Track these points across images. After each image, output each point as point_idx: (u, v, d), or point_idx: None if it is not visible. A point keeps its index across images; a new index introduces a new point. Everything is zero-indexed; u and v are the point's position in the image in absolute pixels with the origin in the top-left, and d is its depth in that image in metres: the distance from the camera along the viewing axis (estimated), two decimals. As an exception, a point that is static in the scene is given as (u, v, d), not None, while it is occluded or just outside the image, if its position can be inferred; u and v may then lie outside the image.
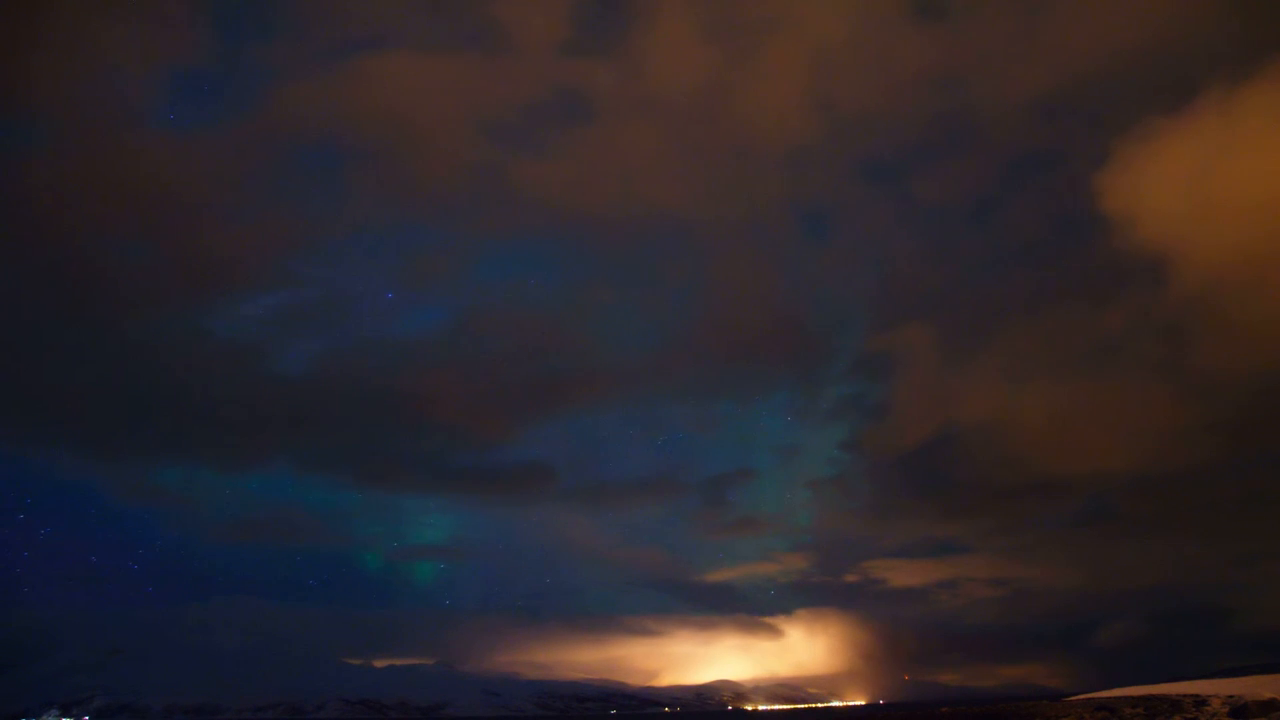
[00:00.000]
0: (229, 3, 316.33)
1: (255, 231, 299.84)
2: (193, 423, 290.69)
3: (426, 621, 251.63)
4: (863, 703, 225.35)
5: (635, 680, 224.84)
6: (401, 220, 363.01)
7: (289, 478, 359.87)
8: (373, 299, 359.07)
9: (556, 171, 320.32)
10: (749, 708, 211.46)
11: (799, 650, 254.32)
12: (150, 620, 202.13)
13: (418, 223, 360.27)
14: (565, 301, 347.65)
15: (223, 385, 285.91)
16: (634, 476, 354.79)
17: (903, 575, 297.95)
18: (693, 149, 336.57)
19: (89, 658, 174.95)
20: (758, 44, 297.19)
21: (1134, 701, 40.48)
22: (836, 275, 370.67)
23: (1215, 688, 42.28)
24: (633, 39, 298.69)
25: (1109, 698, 45.84)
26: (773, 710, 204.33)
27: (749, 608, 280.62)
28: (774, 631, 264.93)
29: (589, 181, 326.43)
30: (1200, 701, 36.98)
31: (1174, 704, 37.67)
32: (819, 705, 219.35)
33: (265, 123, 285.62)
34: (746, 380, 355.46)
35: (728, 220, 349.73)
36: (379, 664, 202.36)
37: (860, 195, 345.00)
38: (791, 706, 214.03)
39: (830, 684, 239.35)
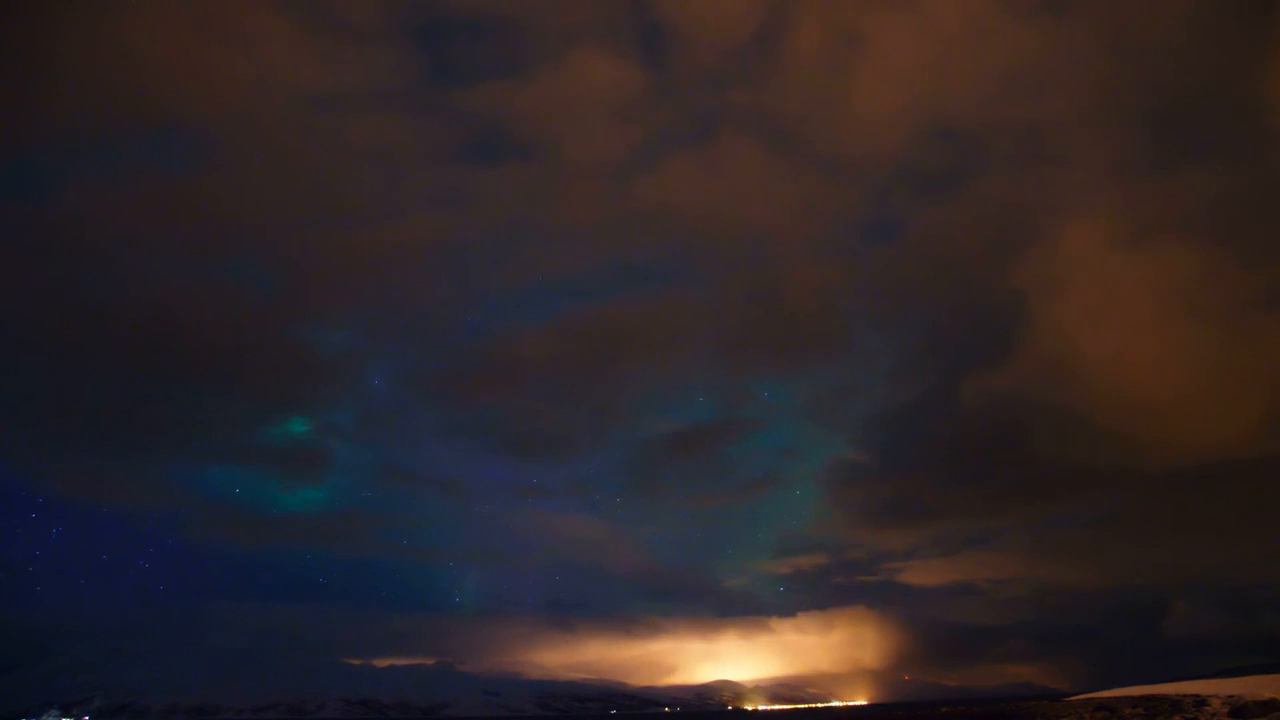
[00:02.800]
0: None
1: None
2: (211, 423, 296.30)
3: (427, 621, 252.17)
4: (863, 703, 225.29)
5: (635, 680, 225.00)
6: (550, 225, 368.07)
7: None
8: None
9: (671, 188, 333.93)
10: (749, 708, 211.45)
11: (799, 650, 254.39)
12: (159, 619, 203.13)
13: (563, 224, 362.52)
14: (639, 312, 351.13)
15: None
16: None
17: (908, 575, 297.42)
18: (787, 164, 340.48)
19: (89, 658, 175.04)
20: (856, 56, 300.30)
21: (1134, 701, 40.48)
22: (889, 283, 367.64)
23: (1215, 688, 42.28)
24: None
25: (1109, 698, 45.84)
26: (773, 710, 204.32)
27: (749, 608, 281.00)
28: (774, 631, 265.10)
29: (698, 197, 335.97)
30: (1200, 701, 36.97)
31: (1174, 704, 37.65)
32: (819, 705, 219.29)
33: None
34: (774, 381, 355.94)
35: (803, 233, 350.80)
36: (379, 664, 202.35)
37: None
38: (791, 706, 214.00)
39: (830, 684, 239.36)
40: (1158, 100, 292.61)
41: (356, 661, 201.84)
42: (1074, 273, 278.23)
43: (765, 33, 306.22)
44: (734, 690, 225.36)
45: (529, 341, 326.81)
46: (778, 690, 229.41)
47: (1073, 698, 53.14)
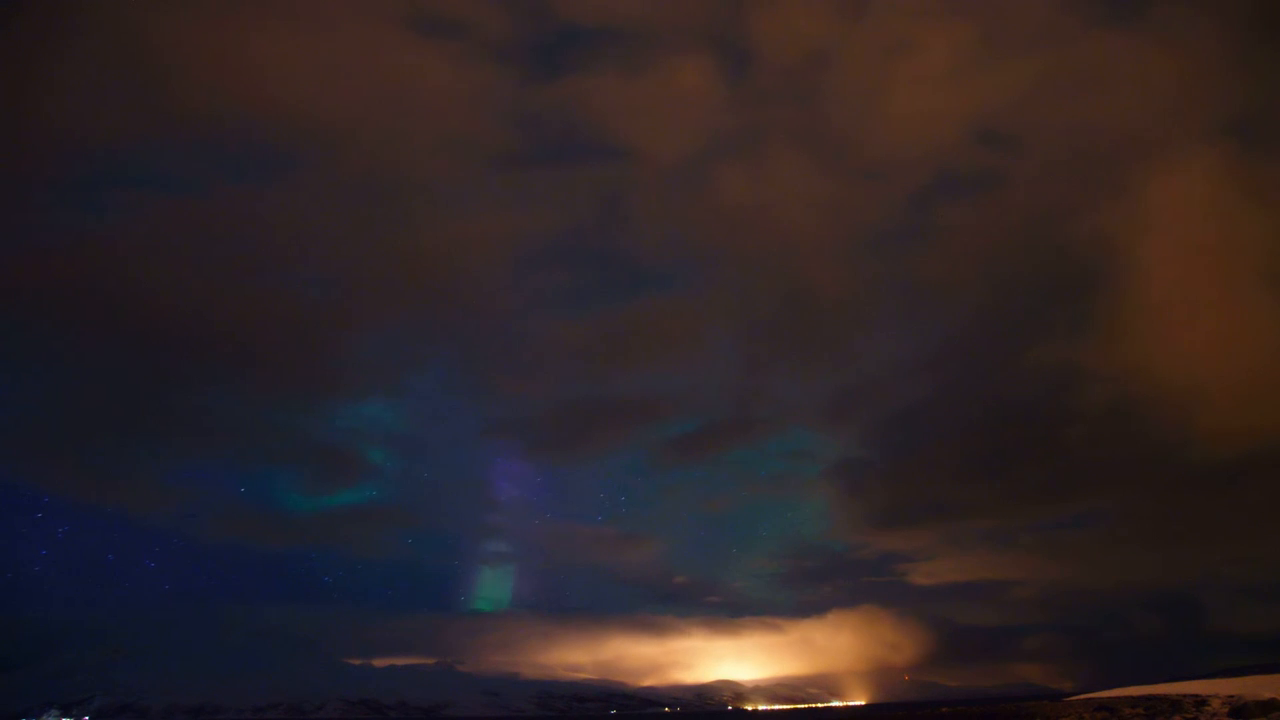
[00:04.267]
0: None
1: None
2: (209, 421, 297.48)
3: (427, 621, 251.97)
4: (863, 703, 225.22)
5: (635, 680, 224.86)
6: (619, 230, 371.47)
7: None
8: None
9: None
10: (749, 708, 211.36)
11: (799, 650, 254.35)
12: (162, 619, 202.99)
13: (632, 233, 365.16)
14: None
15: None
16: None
17: (912, 576, 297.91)
18: (826, 170, 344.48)
19: (89, 658, 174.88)
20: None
21: (1134, 701, 40.48)
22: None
23: (1215, 688, 42.27)
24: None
25: (1109, 698, 45.84)
26: (773, 710, 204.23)
27: (751, 608, 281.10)
28: (775, 631, 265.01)
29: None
30: (1200, 701, 36.95)
31: (1174, 704, 37.64)
32: (819, 705, 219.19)
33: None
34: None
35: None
36: (379, 664, 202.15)
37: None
38: (792, 706, 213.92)
39: (830, 684, 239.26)
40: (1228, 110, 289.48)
41: (356, 661, 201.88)
42: (1106, 274, 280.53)
43: (823, 48, 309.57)
44: (734, 690, 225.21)
45: (561, 338, 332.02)
46: (778, 690, 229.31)
47: (1073, 698, 53.14)
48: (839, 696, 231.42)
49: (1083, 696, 52.62)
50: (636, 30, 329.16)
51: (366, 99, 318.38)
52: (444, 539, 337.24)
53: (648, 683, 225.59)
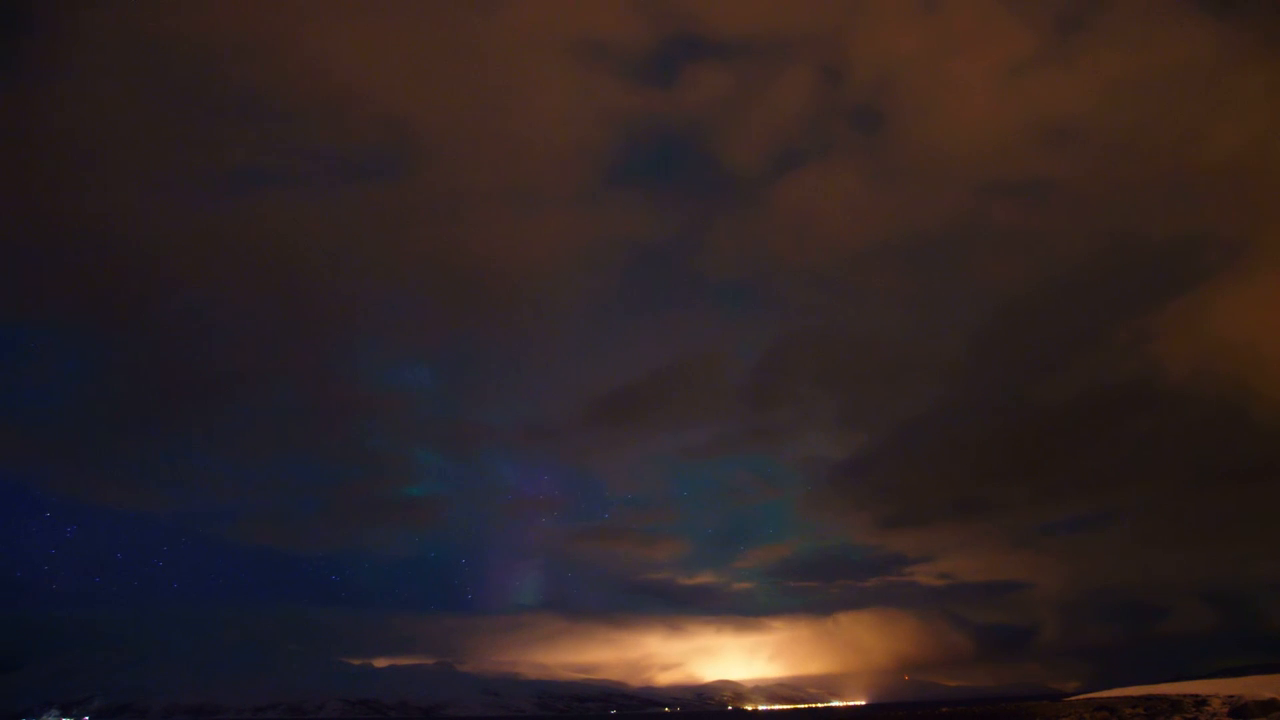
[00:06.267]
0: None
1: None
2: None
3: (426, 621, 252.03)
4: (863, 703, 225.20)
5: (635, 680, 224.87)
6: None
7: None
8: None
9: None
10: (749, 708, 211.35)
11: (800, 650, 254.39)
12: (164, 618, 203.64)
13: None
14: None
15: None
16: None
17: (915, 576, 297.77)
18: (882, 180, 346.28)
19: (89, 658, 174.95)
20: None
21: (1134, 701, 40.48)
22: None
23: (1215, 688, 42.27)
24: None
25: (1109, 698, 45.85)
26: (773, 710, 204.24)
27: (752, 608, 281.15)
28: (775, 631, 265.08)
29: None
30: (1200, 701, 36.94)
31: (1174, 704, 37.64)
32: (819, 705, 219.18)
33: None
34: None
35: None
36: (379, 664, 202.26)
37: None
38: (792, 706, 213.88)
39: (830, 684, 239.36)
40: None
41: (356, 661, 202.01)
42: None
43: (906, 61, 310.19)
44: (734, 690, 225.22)
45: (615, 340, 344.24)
46: (778, 690, 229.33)
47: (1073, 698, 53.13)
48: (839, 696, 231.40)
49: (1083, 696, 52.63)
50: (747, 44, 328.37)
51: (487, 104, 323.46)
52: (452, 537, 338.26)
53: (648, 683, 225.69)
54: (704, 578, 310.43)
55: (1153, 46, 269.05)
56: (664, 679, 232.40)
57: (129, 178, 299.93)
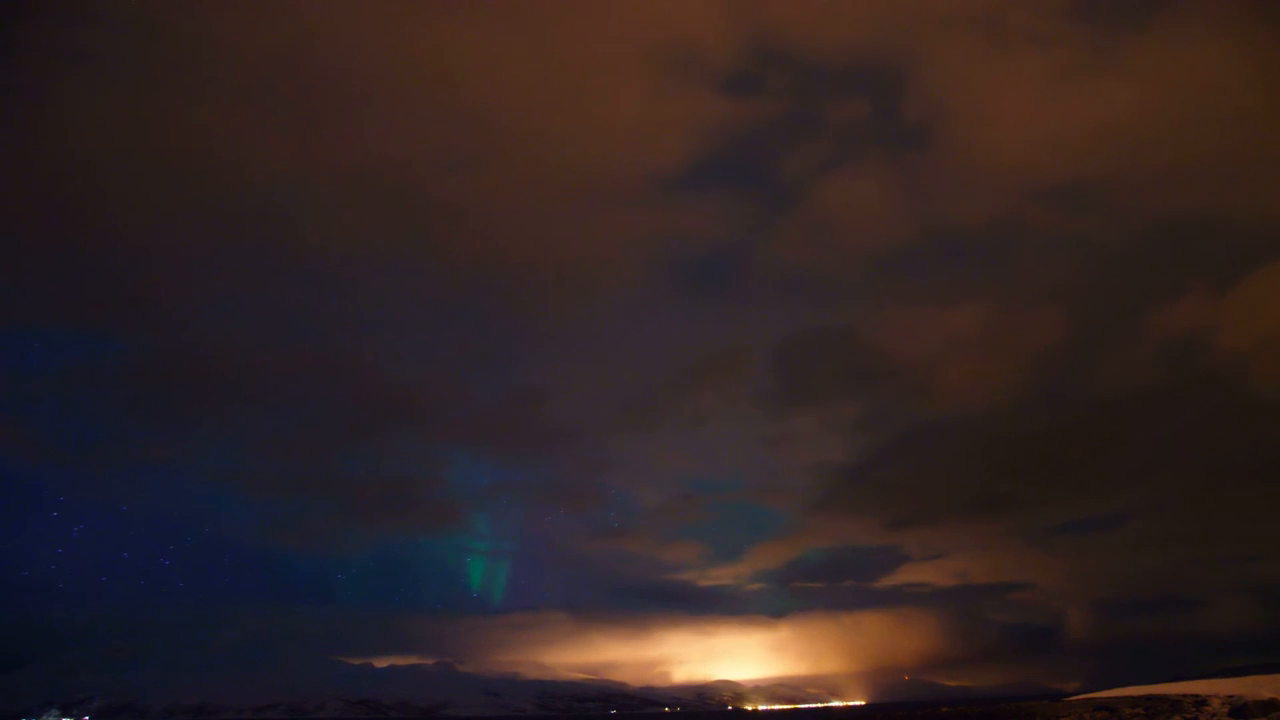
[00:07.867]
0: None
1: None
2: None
3: (427, 621, 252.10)
4: (863, 703, 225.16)
5: (635, 680, 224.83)
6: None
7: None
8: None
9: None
10: (749, 708, 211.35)
11: (799, 650, 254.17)
12: (165, 618, 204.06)
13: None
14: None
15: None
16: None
17: (916, 577, 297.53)
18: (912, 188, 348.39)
19: (89, 658, 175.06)
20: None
21: (1134, 701, 40.47)
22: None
23: (1215, 688, 42.23)
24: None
25: (1109, 698, 45.82)
26: (773, 710, 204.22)
27: (751, 608, 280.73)
28: (775, 631, 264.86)
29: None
30: (1200, 701, 36.95)
31: (1174, 704, 37.63)
32: (819, 705, 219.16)
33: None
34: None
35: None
36: (379, 664, 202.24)
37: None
38: (792, 706, 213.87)
39: (830, 684, 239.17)
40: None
41: (356, 661, 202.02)
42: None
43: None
44: (734, 690, 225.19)
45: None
46: (778, 690, 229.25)
47: (1073, 698, 53.09)
48: (839, 696, 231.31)
49: (1083, 696, 52.58)
50: (820, 58, 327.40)
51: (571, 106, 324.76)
52: (450, 537, 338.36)
53: (648, 683, 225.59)
54: (717, 579, 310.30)
55: (1203, 49, 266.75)
56: (669, 679, 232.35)
57: (133, 177, 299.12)
